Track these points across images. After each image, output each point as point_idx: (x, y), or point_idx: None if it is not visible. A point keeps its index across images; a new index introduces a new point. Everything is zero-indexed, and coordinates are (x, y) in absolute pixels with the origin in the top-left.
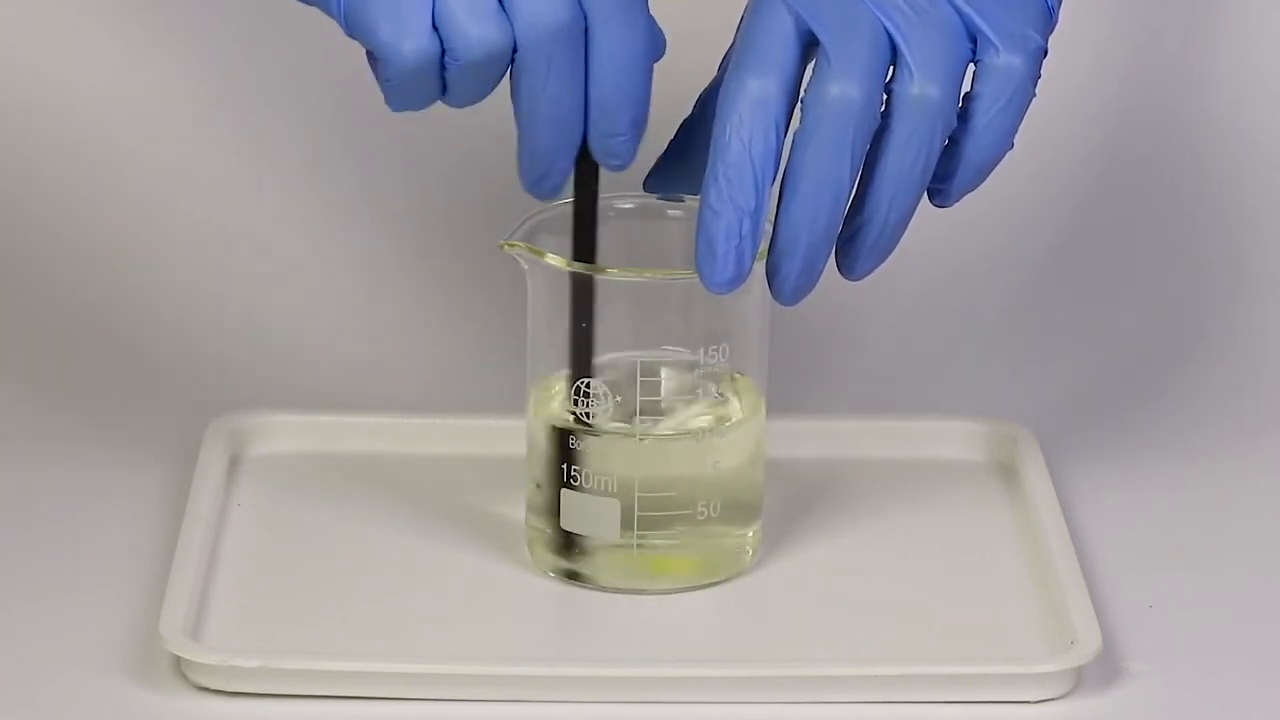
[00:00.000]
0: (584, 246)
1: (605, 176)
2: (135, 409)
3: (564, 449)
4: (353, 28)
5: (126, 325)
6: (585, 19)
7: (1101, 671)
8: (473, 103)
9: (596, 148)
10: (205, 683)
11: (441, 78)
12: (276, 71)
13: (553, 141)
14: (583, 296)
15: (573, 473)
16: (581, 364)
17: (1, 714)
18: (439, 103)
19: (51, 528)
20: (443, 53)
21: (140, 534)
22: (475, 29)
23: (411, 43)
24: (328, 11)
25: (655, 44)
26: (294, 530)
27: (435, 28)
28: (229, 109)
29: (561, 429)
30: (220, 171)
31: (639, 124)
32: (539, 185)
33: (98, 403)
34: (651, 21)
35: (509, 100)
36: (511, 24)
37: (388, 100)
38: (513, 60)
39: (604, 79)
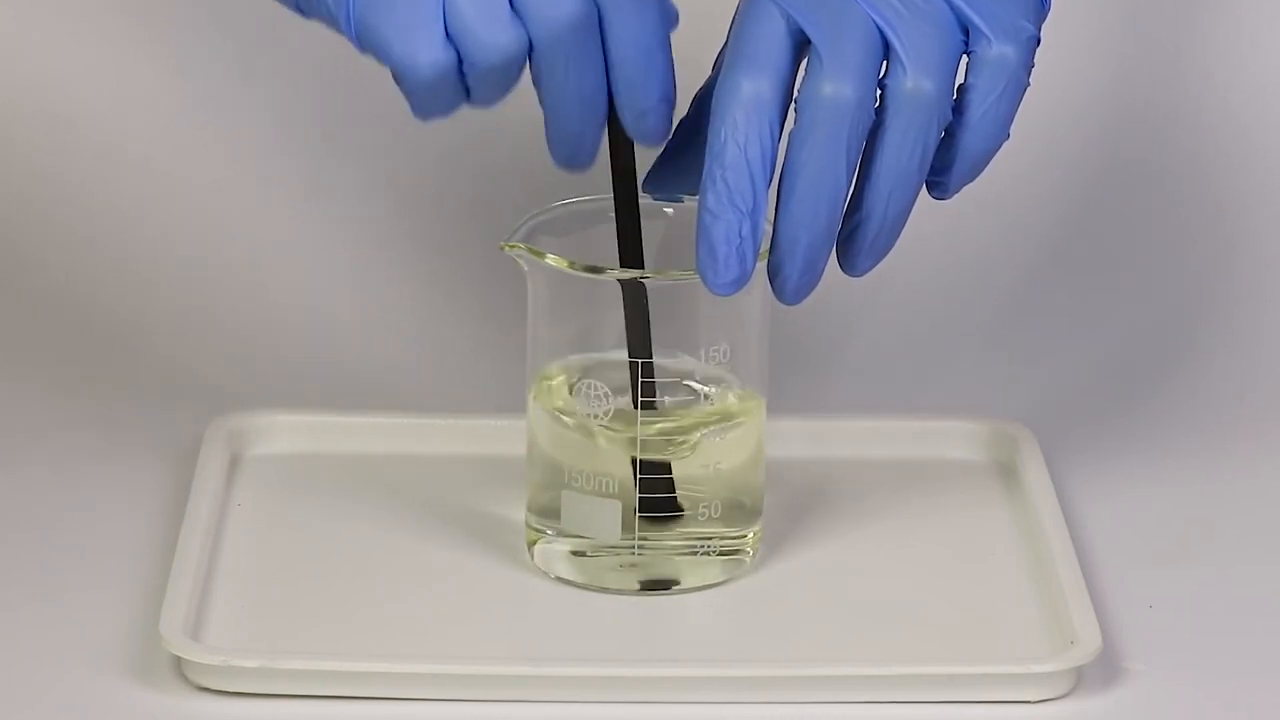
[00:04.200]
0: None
1: (603, 178)
2: (135, 409)
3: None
4: (365, 46)
5: (126, 325)
6: (597, 6)
7: (1101, 671)
8: (498, 101)
9: (630, 127)
10: (205, 683)
11: (462, 84)
12: (277, 73)
13: (580, 122)
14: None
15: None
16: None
17: (1, 714)
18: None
19: (51, 528)
20: (460, 61)
21: (140, 534)
22: (489, 35)
23: (427, 56)
24: (336, 29)
25: (668, 15)
26: (294, 530)
27: (449, 37)
28: (228, 110)
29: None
30: (220, 172)
31: (668, 97)
32: (571, 162)
33: (98, 402)
34: None
35: (511, 96)
36: (525, 25)
37: (413, 111)
38: (530, 57)
39: (625, 62)
